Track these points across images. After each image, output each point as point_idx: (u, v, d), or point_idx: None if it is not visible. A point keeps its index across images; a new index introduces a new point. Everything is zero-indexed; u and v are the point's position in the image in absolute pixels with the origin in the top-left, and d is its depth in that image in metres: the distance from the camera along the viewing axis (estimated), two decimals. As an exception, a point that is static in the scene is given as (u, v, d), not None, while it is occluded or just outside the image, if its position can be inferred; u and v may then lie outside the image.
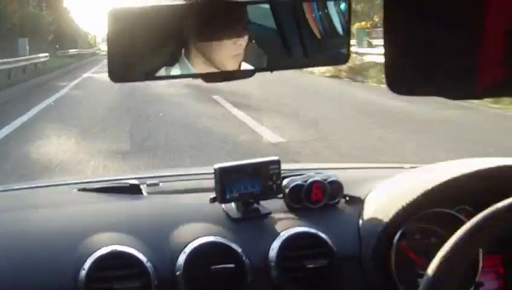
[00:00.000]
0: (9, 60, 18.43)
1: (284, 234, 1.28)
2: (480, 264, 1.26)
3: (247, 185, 1.34)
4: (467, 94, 0.61)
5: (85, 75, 20.72)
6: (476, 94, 0.60)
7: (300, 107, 9.42)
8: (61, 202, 1.47)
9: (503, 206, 0.80)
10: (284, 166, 1.40)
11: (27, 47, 24.96)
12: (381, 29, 0.78)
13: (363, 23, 22.44)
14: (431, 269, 0.80)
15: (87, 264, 1.17)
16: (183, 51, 0.91)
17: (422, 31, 0.59)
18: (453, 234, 0.82)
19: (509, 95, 0.62)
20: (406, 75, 0.61)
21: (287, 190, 1.39)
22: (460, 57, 0.58)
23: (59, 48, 37.74)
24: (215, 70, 0.92)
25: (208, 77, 0.94)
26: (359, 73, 15.52)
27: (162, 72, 0.91)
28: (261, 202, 1.39)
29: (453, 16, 0.57)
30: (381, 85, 11.44)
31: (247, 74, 0.94)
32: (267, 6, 0.93)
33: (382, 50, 0.61)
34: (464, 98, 0.63)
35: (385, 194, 1.38)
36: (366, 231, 1.32)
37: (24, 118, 9.08)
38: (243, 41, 0.91)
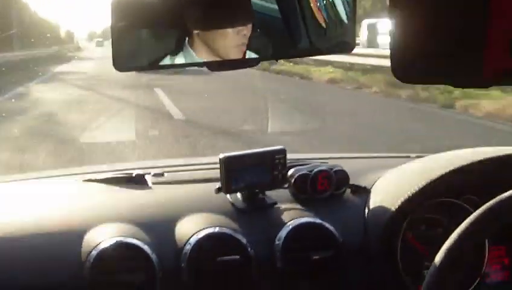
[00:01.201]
0: None
1: (290, 225, 1.28)
2: (486, 255, 1.26)
3: (252, 175, 1.34)
4: (475, 83, 0.61)
5: None
6: (484, 82, 0.60)
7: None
8: (66, 193, 1.47)
9: (509, 196, 0.80)
10: (289, 156, 1.39)
11: None
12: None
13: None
14: (437, 259, 0.79)
15: (92, 256, 1.17)
16: (187, 39, 0.90)
17: (429, 20, 0.58)
18: (459, 224, 0.81)
19: None
20: (413, 64, 0.60)
21: (292, 180, 1.38)
22: (468, 45, 0.57)
23: None
24: (219, 58, 0.92)
25: (212, 66, 0.93)
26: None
27: (166, 60, 0.91)
28: (267, 192, 1.38)
29: (461, 4, 0.57)
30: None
31: (252, 63, 0.94)
32: None
33: None
34: (471, 86, 0.62)
35: (391, 184, 1.37)
36: (372, 221, 1.32)
37: None
38: (247, 30, 0.91)
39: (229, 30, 0.90)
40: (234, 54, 0.91)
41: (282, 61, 1.16)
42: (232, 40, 0.91)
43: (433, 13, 0.58)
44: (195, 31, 0.90)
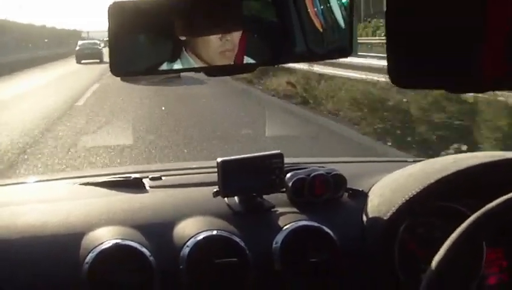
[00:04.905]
0: None
1: (287, 228, 1.28)
2: (484, 258, 1.26)
3: (250, 179, 1.34)
4: (470, 87, 0.61)
5: None
6: (480, 87, 0.60)
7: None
8: (63, 197, 1.47)
9: (507, 200, 0.80)
10: (287, 160, 1.40)
11: None
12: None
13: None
14: (434, 262, 0.79)
15: (90, 258, 1.17)
16: (184, 44, 0.91)
17: (425, 24, 0.58)
18: (456, 227, 0.81)
19: None
20: (408, 69, 0.60)
21: (290, 184, 1.39)
22: (464, 50, 0.57)
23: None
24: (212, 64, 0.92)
25: (208, 71, 0.93)
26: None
27: (164, 66, 0.91)
28: (264, 196, 1.38)
29: (457, 9, 0.57)
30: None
31: (249, 68, 0.94)
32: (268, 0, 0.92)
33: None
34: (467, 91, 0.62)
35: (388, 187, 1.38)
36: (370, 225, 1.32)
37: None
38: (232, 36, 0.90)
39: (212, 37, 0.90)
40: (220, 60, 0.91)
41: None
42: (216, 47, 0.91)
43: (430, 19, 0.58)
44: (183, 38, 0.90)
